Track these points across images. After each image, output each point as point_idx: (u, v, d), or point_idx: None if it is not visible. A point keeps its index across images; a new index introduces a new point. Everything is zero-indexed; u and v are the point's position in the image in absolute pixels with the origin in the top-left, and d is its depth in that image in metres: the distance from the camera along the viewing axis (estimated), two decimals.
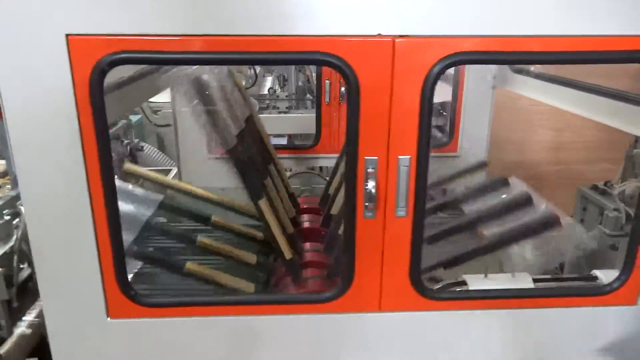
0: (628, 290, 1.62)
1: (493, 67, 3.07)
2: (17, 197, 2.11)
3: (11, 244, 1.85)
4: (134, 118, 4.78)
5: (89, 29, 1.29)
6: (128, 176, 2.55)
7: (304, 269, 2.11)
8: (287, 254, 1.96)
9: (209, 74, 1.73)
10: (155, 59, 1.37)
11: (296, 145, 3.73)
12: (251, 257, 2.17)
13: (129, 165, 2.53)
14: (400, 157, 1.44)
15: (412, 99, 1.39)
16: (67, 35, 1.28)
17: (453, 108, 3.28)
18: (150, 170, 3.22)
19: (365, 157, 1.43)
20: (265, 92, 6.36)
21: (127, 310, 1.55)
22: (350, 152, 1.42)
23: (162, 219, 2.41)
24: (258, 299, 1.75)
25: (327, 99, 3.22)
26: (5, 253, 1.84)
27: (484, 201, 2.39)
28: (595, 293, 1.67)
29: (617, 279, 1.62)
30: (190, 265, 1.97)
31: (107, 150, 1.40)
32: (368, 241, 1.52)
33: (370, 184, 1.43)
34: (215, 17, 1.32)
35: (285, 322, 1.61)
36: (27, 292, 1.88)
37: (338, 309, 1.59)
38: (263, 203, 1.91)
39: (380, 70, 1.36)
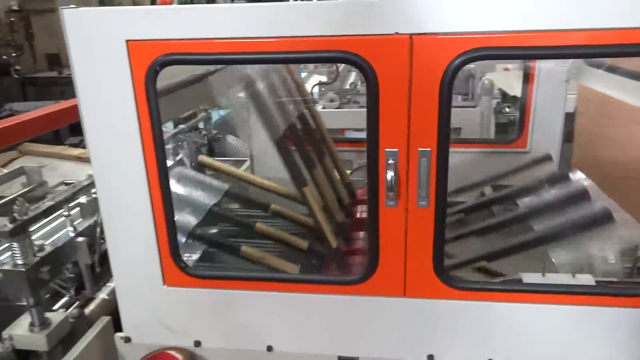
0: None
1: (567, 61, 2.95)
2: None
3: (95, 218, 2.17)
4: (223, 112, 5.18)
5: (144, 35, 1.51)
6: (202, 167, 2.83)
7: (352, 256, 2.22)
8: (332, 242, 2.09)
9: (257, 75, 1.91)
10: (199, 59, 1.56)
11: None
12: (303, 243, 2.32)
13: (202, 157, 2.81)
14: (420, 149, 1.51)
15: (432, 93, 1.45)
16: (127, 40, 1.51)
17: (523, 103, 3.19)
18: (225, 160, 3.51)
19: (386, 149, 1.51)
20: (347, 87, 6.51)
21: (179, 280, 1.78)
22: (371, 144, 1.52)
23: (226, 206, 2.64)
24: (294, 277, 1.89)
25: None
26: (89, 225, 2.16)
27: (540, 195, 2.34)
28: None
29: None
30: (245, 249, 2.18)
31: (160, 139, 1.62)
32: (390, 229, 1.60)
33: (389, 175, 1.51)
34: (250, 22, 1.48)
35: (315, 300, 1.74)
36: (107, 262, 2.20)
37: (364, 292, 1.69)
38: (307, 190, 2.06)
39: (399, 67, 1.43)
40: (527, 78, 3.14)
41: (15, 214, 1.86)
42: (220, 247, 2.29)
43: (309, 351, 1.82)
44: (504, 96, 6.11)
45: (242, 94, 2.09)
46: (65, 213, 2.18)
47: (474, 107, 5.73)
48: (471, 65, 6.64)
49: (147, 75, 1.53)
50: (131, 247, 1.77)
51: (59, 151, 5.80)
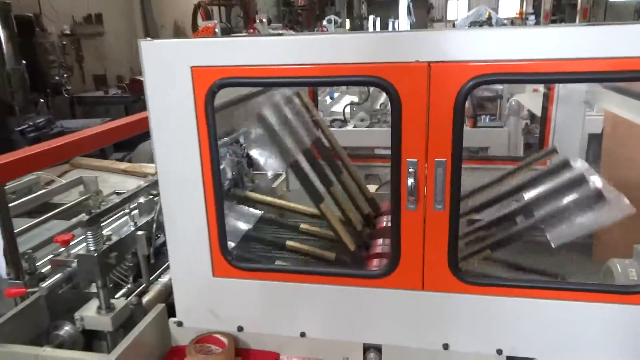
0: None
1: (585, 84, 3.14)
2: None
3: (152, 215, 2.49)
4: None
5: (206, 62, 1.82)
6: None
7: (373, 259, 2.45)
8: (350, 245, 2.34)
9: (269, 110, 2.23)
10: (249, 82, 1.86)
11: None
12: (331, 255, 2.56)
13: (249, 194, 2.99)
14: (437, 159, 1.75)
15: (447, 112, 1.70)
16: (191, 66, 1.82)
17: (543, 123, 3.38)
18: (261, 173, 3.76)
19: (407, 160, 1.76)
20: (378, 107, 6.80)
21: (227, 272, 2.05)
22: (395, 155, 1.77)
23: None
24: (326, 271, 2.14)
25: None
26: (147, 222, 2.48)
27: (543, 186, 2.49)
28: None
29: None
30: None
31: (216, 151, 1.91)
32: (410, 229, 1.84)
33: (410, 181, 1.76)
34: (293, 51, 1.77)
35: (344, 292, 1.99)
36: (161, 255, 2.50)
37: (387, 285, 1.93)
38: (323, 206, 2.33)
39: (418, 89, 1.69)
40: (548, 99, 3.34)
41: (90, 208, 2.19)
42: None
43: (337, 338, 2.05)
44: (533, 117, 6.27)
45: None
46: (127, 211, 2.54)
47: (501, 127, 5.93)
48: (499, 87, 6.84)
49: (207, 95, 1.84)
50: (187, 243, 2.05)
51: (108, 165, 6.26)
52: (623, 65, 1.52)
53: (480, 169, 3.51)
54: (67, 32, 13.51)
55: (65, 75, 12.06)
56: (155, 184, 2.56)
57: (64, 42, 13.08)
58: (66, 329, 2.24)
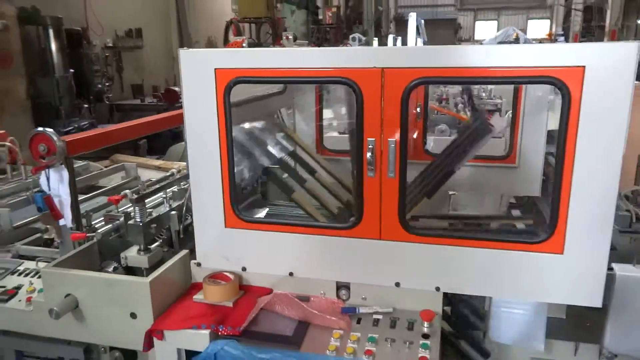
0: None
1: (549, 90, 3.70)
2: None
3: (183, 200, 3.19)
4: None
5: (225, 65, 2.51)
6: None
7: None
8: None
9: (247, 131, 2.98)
10: (257, 80, 2.54)
11: None
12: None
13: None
14: (389, 139, 2.39)
15: (396, 105, 2.34)
16: (215, 68, 2.52)
17: (512, 124, 3.97)
18: None
19: (367, 138, 2.41)
20: None
21: (236, 223, 2.72)
22: (358, 135, 2.42)
23: None
24: (308, 224, 2.77)
25: None
26: (178, 205, 3.18)
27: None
28: None
29: None
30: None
31: (230, 130, 2.59)
32: (370, 191, 2.47)
33: (369, 155, 2.40)
34: (287, 58, 2.45)
35: (322, 240, 2.62)
36: (187, 233, 3.16)
37: (353, 235, 2.56)
38: (295, 196, 3.10)
39: (375, 88, 2.34)
40: (516, 105, 3.93)
41: (139, 190, 2.92)
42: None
43: (317, 277, 2.68)
44: None
45: None
46: (164, 195, 3.28)
47: (500, 137, 6.48)
48: (498, 101, 7.41)
49: (225, 89, 2.52)
50: (207, 202, 2.72)
51: (143, 161, 7.07)
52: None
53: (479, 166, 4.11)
54: (110, 44, 14.65)
55: (106, 84, 13.12)
56: (185, 177, 3.30)
57: (107, 54, 14.21)
58: (113, 266, 2.95)
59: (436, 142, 4.53)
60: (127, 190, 3.02)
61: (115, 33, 15.18)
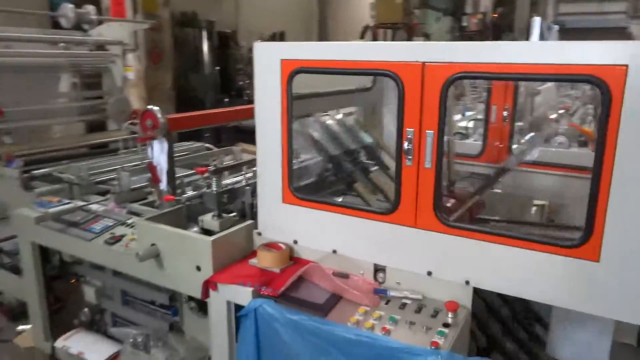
0: None
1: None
2: None
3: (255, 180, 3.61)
4: None
5: (289, 56, 2.82)
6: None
7: None
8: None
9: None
10: (312, 70, 2.81)
11: (466, 154, 4.61)
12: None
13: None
14: (427, 131, 2.49)
15: (435, 97, 2.44)
16: (281, 59, 2.84)
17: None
18: None
19: (407, 129, 2.53)
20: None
21: (291, 200, 3.01)
22: (399, 126, 2.55)
23: None
24: (352, 206, 2.94)
25: (493, 119, 4.11)
26: (252, 183, 3.56)
27: None
28: None
29: None
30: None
31: (290, 115, 2.89)
32: (408, 179, 2.59)
33: (407, 144, 2.52)
34: (343, 51, 2.68)
35: (364, 223, 2.79)
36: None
37: (390, 220, 2.70)
38: (357, 186, 3.36)
39: (416, 81, 2.46)
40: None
41: (216, 164, 3.39)
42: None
43: (357, 257, 2.87)
44: None
45: None
46: (243, 172, 3.70)
47: None
48: None
49: (288, 78, 2.84)
50: (269, 179, 3.06)
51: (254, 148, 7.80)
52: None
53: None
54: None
55: (247, 82, 14.38)
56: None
57: (251, 55, 15.51)
58: (195, 229, 3.44)
59: (556, 154, 4.40)
60: (211, 165, 3.49)
61: (260, 36, 16.54)
